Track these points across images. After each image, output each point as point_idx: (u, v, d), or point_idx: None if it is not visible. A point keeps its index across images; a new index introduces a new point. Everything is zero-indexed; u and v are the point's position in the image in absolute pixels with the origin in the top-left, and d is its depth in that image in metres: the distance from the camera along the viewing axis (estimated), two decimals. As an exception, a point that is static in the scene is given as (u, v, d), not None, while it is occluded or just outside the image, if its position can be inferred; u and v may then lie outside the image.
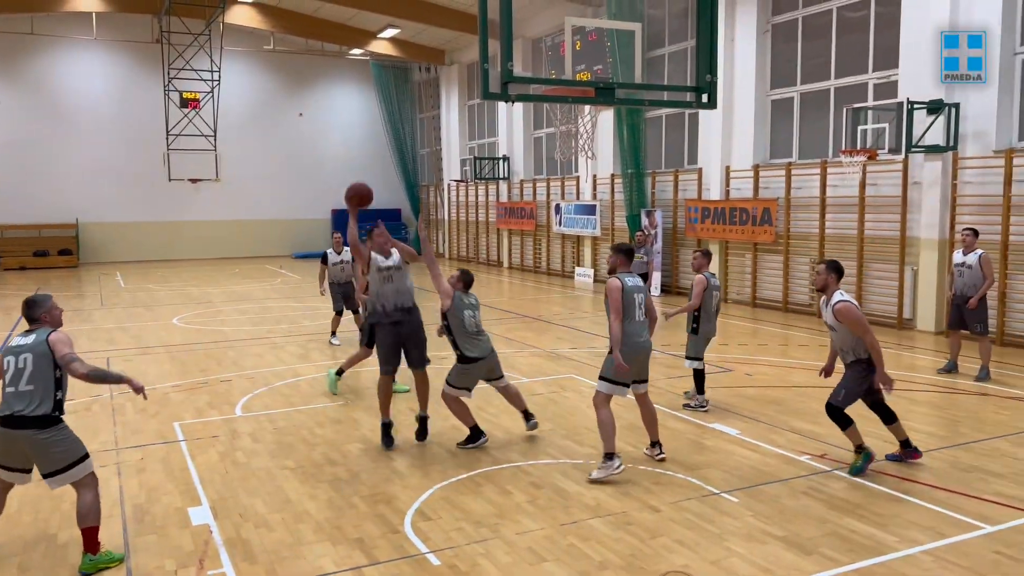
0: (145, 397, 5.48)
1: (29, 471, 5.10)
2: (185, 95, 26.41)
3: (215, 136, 27.09)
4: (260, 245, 31.92)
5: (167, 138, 26.71)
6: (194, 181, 27.21)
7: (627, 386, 6.56)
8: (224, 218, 31.47)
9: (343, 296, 12.72)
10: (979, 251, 9.96)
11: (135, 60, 29.40)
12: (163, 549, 5.27)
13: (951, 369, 10.27)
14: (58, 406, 5.08)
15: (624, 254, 6.74)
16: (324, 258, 12.74)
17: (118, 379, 5.39)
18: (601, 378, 6.55)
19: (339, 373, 9.54)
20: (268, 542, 5.36)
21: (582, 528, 5.52)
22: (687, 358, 8.67)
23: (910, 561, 4.98)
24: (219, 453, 7.28)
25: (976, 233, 10.10)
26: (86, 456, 5.14)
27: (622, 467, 6.41)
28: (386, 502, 6.05)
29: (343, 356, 11.80)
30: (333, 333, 12.98)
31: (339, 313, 12.88)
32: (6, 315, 16.52)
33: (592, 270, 21.94)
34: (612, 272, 6.69)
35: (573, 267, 23.02)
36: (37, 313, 5.38)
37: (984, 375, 9.95)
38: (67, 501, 6.12)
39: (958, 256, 10.09)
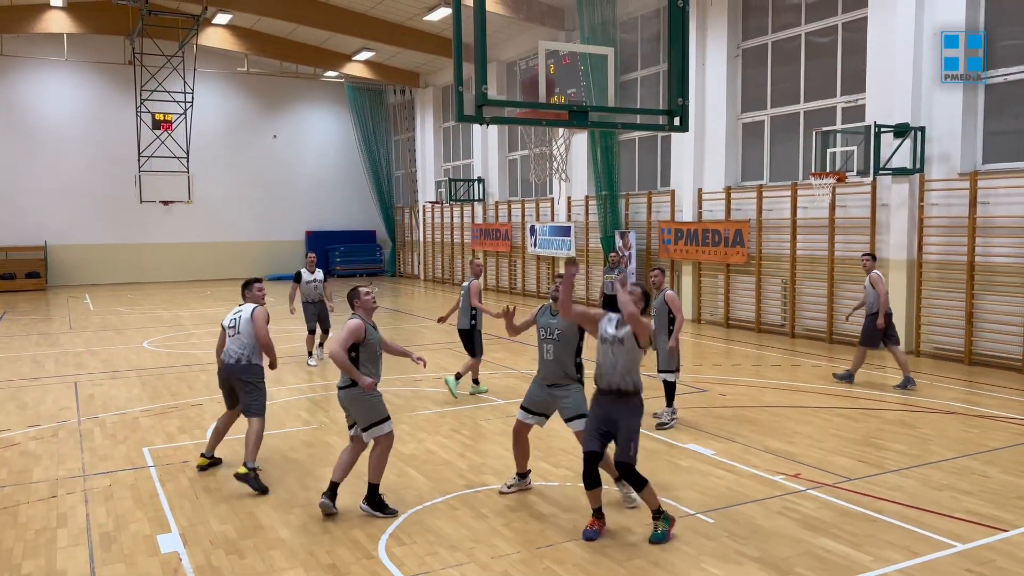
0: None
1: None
2: (157, 117, 26.21)
3: (188, 158, 26.88)
4: (232, 266, 31.59)
5: (139, 160, 26.44)
6: (166, 203, 26.96)
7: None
8: (196, 240, 31.17)
9: (316, 316, 12.82)
10: (874, 271, 10.89)
11: (107, 81, 29.17)
12: (131, 578, 5.15)
13: (846, 377, 11.02)
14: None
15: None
16: (297, 277, 12.85)
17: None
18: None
19: (458, 377, 10.17)
20: (239, 569, 5.27)
21: (558, 551, 5.48)
22: (664, 371, 8.71)
23: (884, 580, 5.01)
24: (189, 479, 7.15)
25: (873, 257, 11.09)
26: None
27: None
28: (360, 527, 5.97)
29: (319, 377, 11.70)
30: (310, 354, 12.97)
31: (312, 332, 12.95)
32: (-29, 339, 16.17)
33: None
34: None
35: (548, 288, 23.08)
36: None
37: (906, 383, 10.53)
38: (31, 529, 5.97)
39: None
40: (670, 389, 8.76)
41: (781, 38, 16.02)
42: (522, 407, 6.57)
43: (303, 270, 12.89)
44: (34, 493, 6.82)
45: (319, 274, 12.92)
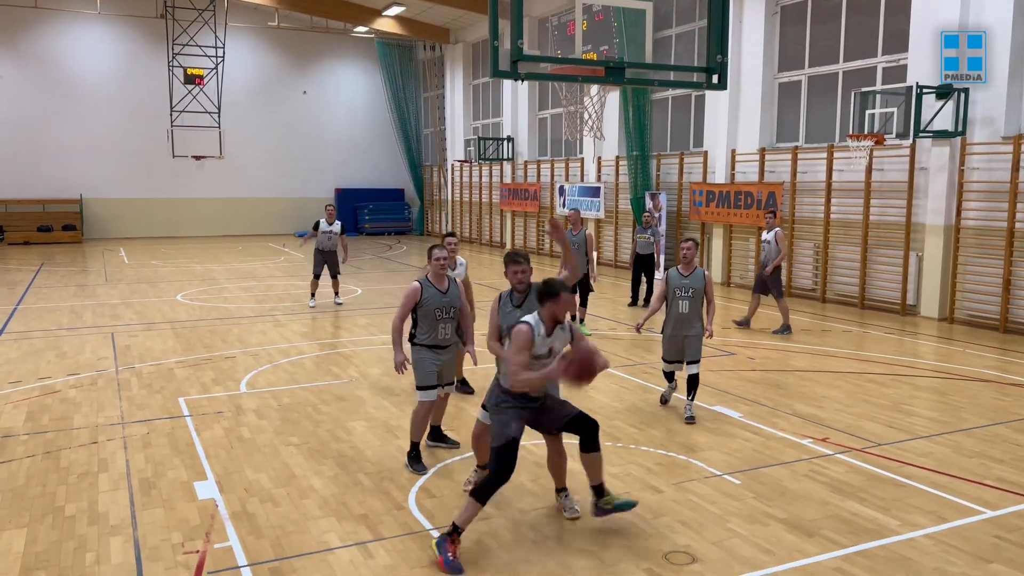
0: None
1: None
2: (189, 71, 26.31)
3: (219, 113, 27.01)
4: (263, 223, 31.89)
5: (171, 115, 26.62)
6: (198, 158, 27.13)
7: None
8: (227, 195, 31.41)
9: (324, 262, 13.89)
10: (776, 229, 11.89)
11: (139, 35, 29.22)
12: (170, 522, 5.31)
13: (743, 323, 12.28)
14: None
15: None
16: (316, 225, 13.91)
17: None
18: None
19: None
20: (274, 517, 5.41)
21: (586, 507, 5.54)
22: (693, 362, 7.68)
23: (912, 544, 5.02)
24: (224, 429, 7.32)
25: (775, 214, 12.13)
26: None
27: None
28: (391, 479, 6.08)
29: (348, 332, 11.84)
30: (312, 295, 14.15)
31: (317, 277, 13.99)
32: (10, 289, 16.56)
33: (595, 253, 21.87)
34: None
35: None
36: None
37: (784, 330, 11.83)
38: (74, 474, 6.18)
39: (764, 234, 12.08)
40: (695, 382, 7.66)
41: (822, -5, 15.58)
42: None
43: (322, 220, 13.84)
44: (75, 439, 7.02)
45: (336, 226, 13.89)
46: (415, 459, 6.34)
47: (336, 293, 14.40)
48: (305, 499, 5.71)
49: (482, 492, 4.80)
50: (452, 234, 7.92)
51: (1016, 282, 12.20)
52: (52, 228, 28.13)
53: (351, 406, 8.10)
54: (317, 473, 6.22)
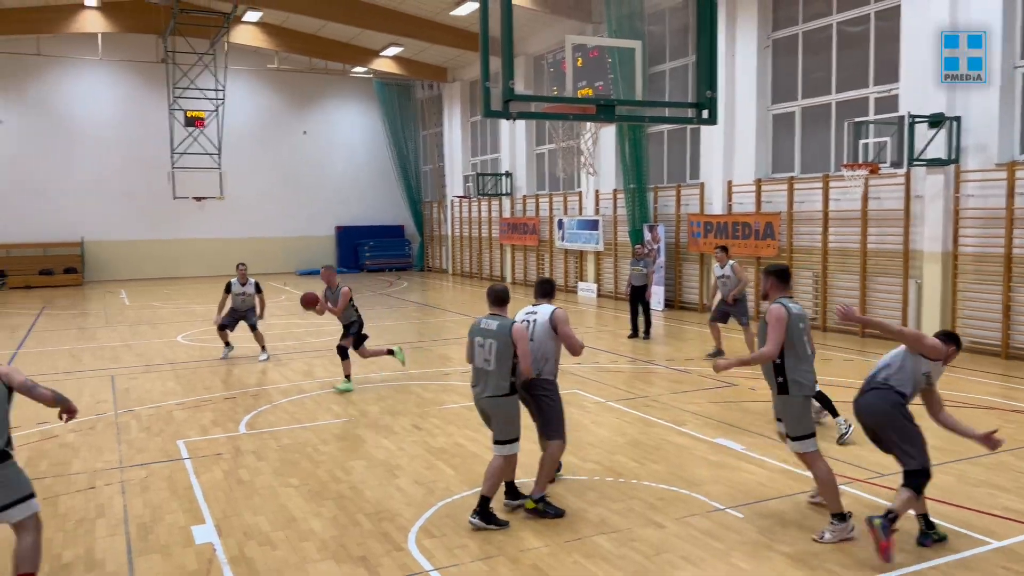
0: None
1: None
2: (190, 114, 26.60)
3: (219, 154, 27.25)
4: (264, 262, 31.92)
5: (172, 156, 26.86)
6: (198, 199, 27.32)
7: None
8: (228, 236, 31.57)
9: (237, 320, 13.05)
10: (731, 262, 12.34)
11: (140, 80, 29.62)
12: (167, 568, 5.26)
13: (716, 354, 12.35)
14: None
15: (776, 276, 5.88)
16: (228, 287, 12.98)
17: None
18: (799, 438, 5.64)
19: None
20: (272, 560, 5.35)
21: (586, 545, 5.49)
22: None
23: (917, 577, 4.95)
24: (223, 471, 7.27)
25: (726, 250, 12.48)
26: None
27: (854, 528, 5.52)
28: (390, 519, 6.03)
29: (323, 359, 11.81)
30: (226, 344, 13.17)
31: (221, 329, 13.06)
32: (11, 333, 16.57)
33: (595, 285, 21.95)
34: (766, 298, 5.94)
35: (576, 282, 23.04)
36: None
37: (716, 353, 12.33)
38: (71, 520, 6.12)
39: (717, 270, 12.43)
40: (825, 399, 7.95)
41: (812, 28, 15.79)
42: None
43: (234, 280, 12.95)
44: (73, 484, 6.98)
45: (250, 286, 12.98)
46: (490, 515, 5.80)
47: (262, 348, 13.06)
48: (304, 541, 5.66)
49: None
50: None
51: (1016, 308, 12.19)
52: (53, 271, 28.23)
53: (350, 445, 8.06)
54: (316, 515, 6.17)
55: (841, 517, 5.51)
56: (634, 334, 14.64)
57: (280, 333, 15.95)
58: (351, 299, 10.63)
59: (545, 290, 6.37)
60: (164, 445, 8.16)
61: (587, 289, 22.19)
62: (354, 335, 10.64)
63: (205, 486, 6.86)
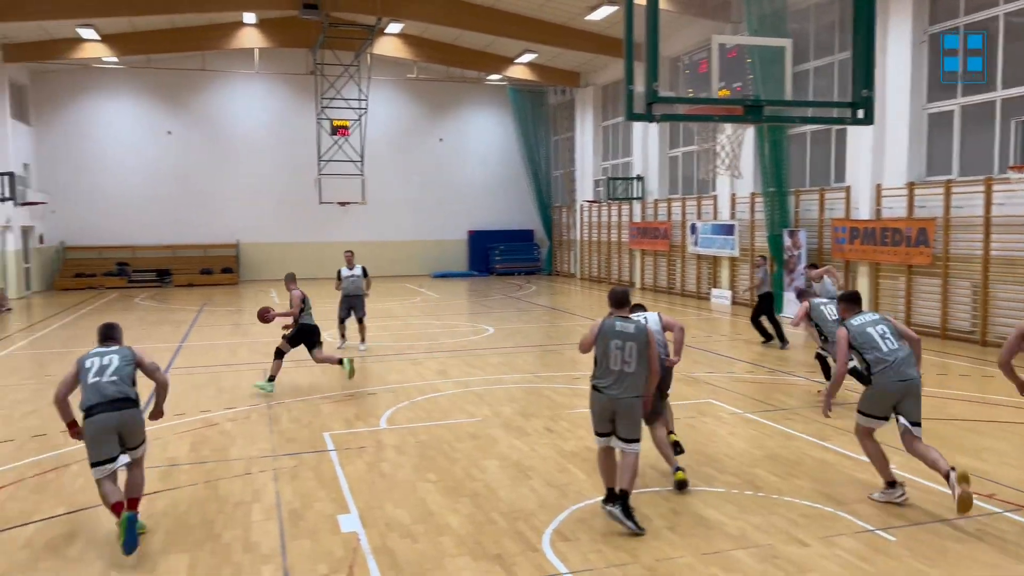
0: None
1: None
2: (335, 123, 27.96)
3: (362, 161, 28.49)
4: (401, 264, 33.18)
5: (319, 164, 28.34)
6: (342, 204, 28.68)
7: (885, 419, 6.42)
8: (368, 239, 32.91)
9: (350, 308, 14.49)
10: (823, 274, 12.37)
11: (291, 91, 31.45)
12: (316, 554, 5.55)
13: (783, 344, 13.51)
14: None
15: (846, 301, 6.81)
16: (339, 274, 14.66)
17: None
18: (858, 411, 6.53)
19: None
20: (412, 553, 5.54)
21: (725, 559, 5.35)
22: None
23: (1099, 618, 4.51)
24: (366, 463, 7.60)
25: (815, 266, 12.96)
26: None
27: (905, 496, 6.27)
28: (524, 519, 6.10)
29: (480, 371, 12.04)
30: (342, 336, 14.64)
31: (342, 322, 14.65)
32: (175, 328, 17.98)
33: (730, 292, 21.32)
34: (842, 322, 6.70)
35: (709, 288, 22.47)
36: None
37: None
38: (230, 503, 6.58)
39: (799, 279, 13.06)
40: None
41: (974, 20, 14.70)
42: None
43: (343, 269, 14.50)
44: (231, 469, 7.49)
45: (358, 269, 14.49)
46: (631, 512, 5.80)
47: (363, 339, 14.38)
48: (442, 536, 5.82)
49: None
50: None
51: None
52: (212, 271, 30.44)
53: (484, 444, 8.21)
54: (453, 510, 6.33)
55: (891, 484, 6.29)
56: (766, 339, 14.31)
57: (415, 333, 16.48)
58: (304, 302, 11.44)
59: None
60: (312, 436, 8.61)
61: (721, 296, 21.59)
62: (291, 338, 11.25)
63: (350, 477, 7.19)
